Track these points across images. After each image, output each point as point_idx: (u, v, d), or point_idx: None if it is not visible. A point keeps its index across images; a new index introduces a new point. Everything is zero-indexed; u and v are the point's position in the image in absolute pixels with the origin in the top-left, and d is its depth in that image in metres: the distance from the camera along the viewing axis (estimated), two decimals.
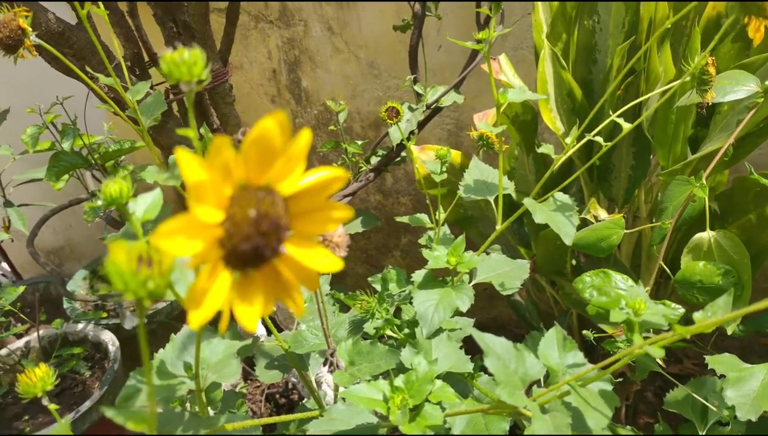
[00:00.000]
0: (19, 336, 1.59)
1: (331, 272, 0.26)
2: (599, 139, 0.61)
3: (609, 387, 0.58)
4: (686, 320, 0.87)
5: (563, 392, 0.48)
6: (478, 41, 0.64)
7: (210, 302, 0.24)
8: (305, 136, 0.25)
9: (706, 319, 0.37)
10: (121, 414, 0.26)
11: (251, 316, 0.25)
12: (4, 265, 1.87)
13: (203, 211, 0.23)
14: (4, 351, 1.46)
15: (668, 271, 0.79)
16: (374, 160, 1.34)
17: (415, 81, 1.26)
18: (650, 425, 1.48)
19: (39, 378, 0.41)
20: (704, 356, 1.57)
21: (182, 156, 0.22)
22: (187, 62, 0.29)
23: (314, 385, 0.79)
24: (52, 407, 0.40)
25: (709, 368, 0.65)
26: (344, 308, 0.87)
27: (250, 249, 0.24)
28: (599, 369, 0.46)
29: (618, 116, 0.70)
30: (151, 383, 0.25)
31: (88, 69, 0.67)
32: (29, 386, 0.41)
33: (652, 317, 0.45)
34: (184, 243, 0.23)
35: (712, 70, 0.58)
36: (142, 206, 0.38)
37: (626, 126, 0.61)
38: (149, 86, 0.90)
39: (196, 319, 0.23)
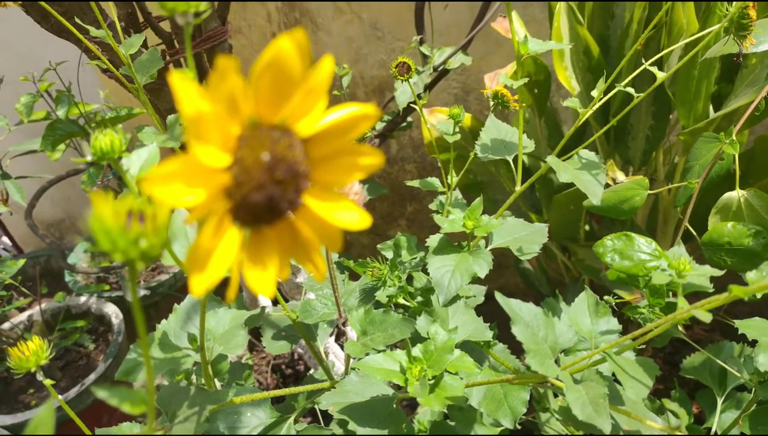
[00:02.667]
0: (21, 310, 1.57)
1: (358, 229, 0.23)
2: (630, 89, 0.57)
3: (633, 355, 0.55)
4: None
5: (596, 360, 0.45)
6: None
7: (216, 264, 0.20)
8: (328, 64, 0.21)
9: (761, 279, 0.34)
10: (115, 395, 0.23)
11: (265, 281, 0.21)
12: (5, 239, 1.84)
13: (206, 152, 0.19)
14: (6, 325, 1.44)
15: (694, 233, 0.75)
16: (379, 125, 1.30)
17: (421, 42, 1.21)
18: (660, 391, 1.47)
19: (32, 352, 0.38)
20: (714, 322, 1.54)
21: (178, 81, 0.18)
22: None
23: (323, 355, 0.77)
24: (48, 382, 0.37)
25: (739, 333, 0.62)
26: (352, 277, 0.84)
27: (263, 200, 0.21)
28: (636, 336, 0.42)
29: (641, 72, 0.65)
30: (148, 359, 0.22)
31: (78, 21, 0.62)
32: (22, 360, 0.38)
33: (696, 278, 0.42)
34: (183, 191, 0.19)
35: (752, 13, 0.53)
36: (137, 162, 0.34)
37: (660, 74, 0.57)
38: (144, 44, 0.85)
39: (200, 284, 0.20)
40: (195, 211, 0.19)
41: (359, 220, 0.23)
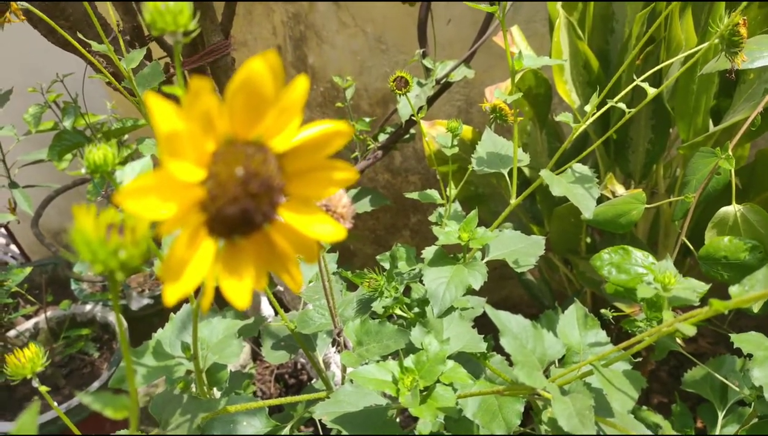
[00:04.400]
0: (27, 318, 1.58)
1: (334, 241, 0.23)
2: (622, 105, 0.58)
3: (628, 368, 0.56)
4: (702, 301, 0.84)
5: (584, 372, 0.46)
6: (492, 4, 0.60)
7: (190, 274, 0.21)
8: (302, 84, 0.22)
9: (743, 293, 0.34)
10: (98, 401, 0.24)
11: (241, 291, 0.22)
12: (13, 247, 1.86)
13: (180, 168, 0.20)
14: (12, 333, 1.46)
15: (691, 247, 0.75)
16: (382, 137, 1.31)
17: (424, 55, 1.22)
18: (664, 404, 1.46)
19: (28, 359, 0.39)
20: (719, 335, 1.53)
21: (153, 101, 0.19)
22: (172, 11, 0.26)
23: (322, 365, 0.77)
24: (43, 388, 0.38)
25: (734, 347, 0.62)
26: (352, 287, 0.84)
27: (238, 213, 0.21)
28: (623, 349, 0.43)
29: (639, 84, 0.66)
30: (129, 367, 0.22)
31: (81, 36, 0.63)
32: (18, 367, 0.38)
33: (683, 292, 0.42)
34: (158, 205, 0.19)
35: (743, 30, 0.54)
36: (131, 175, 0.35)
37: (651, 91, 0.57)
38: (147, 57, 0.87)
39: (173, 293, 0.20)
40: (168, 223, 0.20)
41: (334, 232, 0.24)
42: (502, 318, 0.50)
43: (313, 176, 0.24)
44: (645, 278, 0.60)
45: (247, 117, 0.22)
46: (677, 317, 0.48)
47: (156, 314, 1.58)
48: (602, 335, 0.50)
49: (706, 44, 0.56)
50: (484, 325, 0.74)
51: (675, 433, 0.80)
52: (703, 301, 0.84)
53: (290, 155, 0.23)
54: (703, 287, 0.45)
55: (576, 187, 0.60)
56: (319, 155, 0.23)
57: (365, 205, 1.38)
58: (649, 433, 0.46)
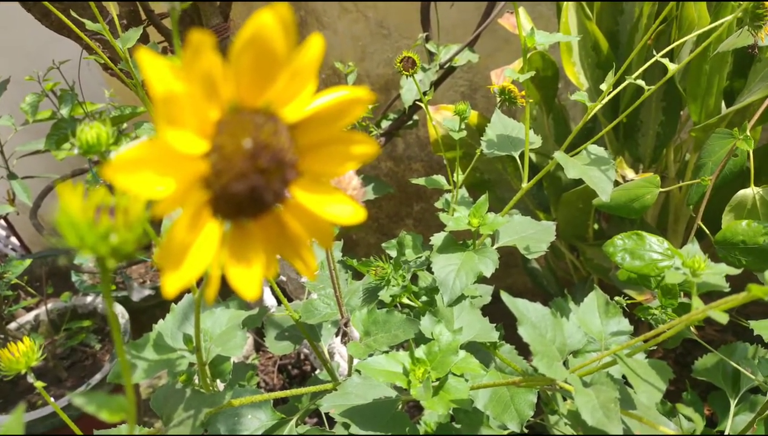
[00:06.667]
0: (28, 310, 1.57)
1: (352, 223, 0.21)
2: (641, 82, 0.55)
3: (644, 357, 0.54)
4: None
5: (605, 363, 0.44)
6: None
7: (192, 261, 0.18)
8: (317, 43, 0.19)
9: None
10: (93, 402, 0.21)
11: (249, 280, 0.20)
12: (13, 239, 1.84)
13: (179, 138, 0.17)
14: (13, 325, 1.44)
15: (707, 231, 0.73)
16: (385, 124, 1.29)
17: (427, 39, 1.20)
18: (671, 392, 1.44)
19: (22, 353, 0.37)
20: (728, 323, 1.51)
21: (146, 57, 0.16)
22: None
23: (327, 356, 0.75)
24: (38, 384, 0.36)
25: (754, 333, 0.60)
26: (357, 276, 0.82)
27: (245, 191, 0.19)
28: (649, 338, 0.41)
29: (651, 68, 0.63)
30: (125, 363, 0.20)
31: (75, 16, 0.61)
32: (11, 362, 0.37)
33: (712, 278, 0.40)
34: (153, 180, 0.17)
35: None
36: None
37: (671, 66, 0.55)
38: (144, 41, 0.84)
39: (174, 282, 0.18)
40: (166, 202, 0.18)
41: (353, 213, 0.21)
42: (520, 306, 0.48)
43: (328, 150, 0.21)
44: (663, 263, 0.58)
45: (256, 80, 0.19)
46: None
47: (158, 305, 1.56)
48: (625, 323, 0.48)
49: (729, 17, 0.53)
50: (491, 313, 0.72)
51: (707, 429, 0.78)
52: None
53: (303, 126, 0.21)
54: (733, 271, 0.43)
55: (592, 170, 0.58)
56: (335, 126, 0.21)
57: (368, 194, 1.36)
58: (674, 426, 0.44)
